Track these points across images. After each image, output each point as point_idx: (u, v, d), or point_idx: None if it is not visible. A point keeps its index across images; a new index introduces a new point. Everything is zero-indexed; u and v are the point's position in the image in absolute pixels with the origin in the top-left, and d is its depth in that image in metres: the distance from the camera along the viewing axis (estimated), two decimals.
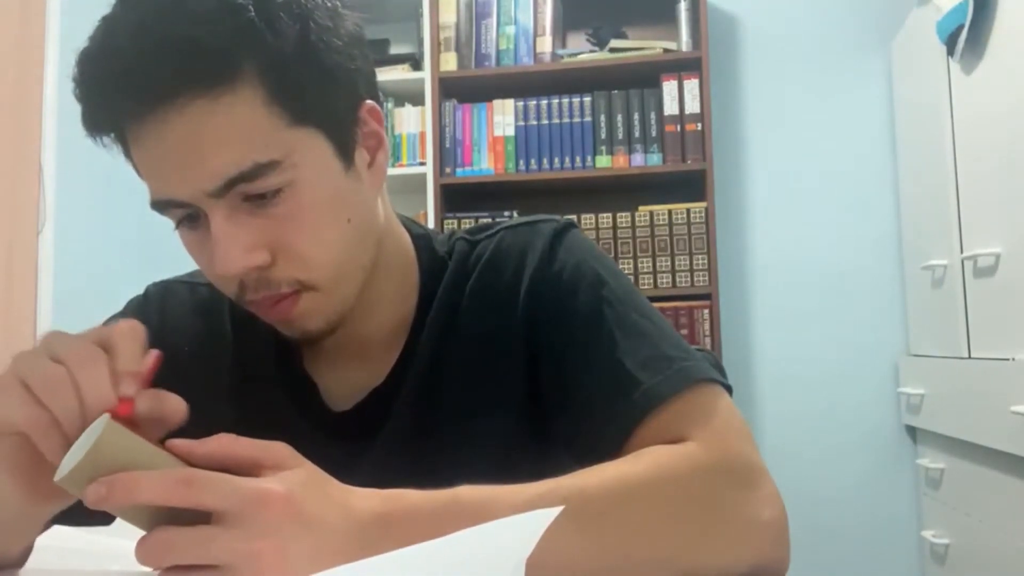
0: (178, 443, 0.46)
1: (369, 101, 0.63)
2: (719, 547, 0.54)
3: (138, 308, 0.76)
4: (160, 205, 0.58)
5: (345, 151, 0.60)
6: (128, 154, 0.59)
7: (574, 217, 2.38)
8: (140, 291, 0.79)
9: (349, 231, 0.61)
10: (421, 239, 0.72)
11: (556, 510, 0.42)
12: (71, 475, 0.43)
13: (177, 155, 0.54)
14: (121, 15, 0.55)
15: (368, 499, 0.48)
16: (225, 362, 0.72)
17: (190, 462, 0.45)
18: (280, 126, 0.56)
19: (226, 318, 0.74)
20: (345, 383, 0.70)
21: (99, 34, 0.55)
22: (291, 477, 0.45)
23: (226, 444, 0.46)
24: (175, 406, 0.49)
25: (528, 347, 0.67)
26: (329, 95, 0.59)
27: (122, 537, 0.76)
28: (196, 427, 0.47)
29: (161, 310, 0.75)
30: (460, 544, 0.42)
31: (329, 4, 0.60)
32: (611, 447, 0.60)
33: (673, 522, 0.53)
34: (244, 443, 0.46)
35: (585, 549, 0.50)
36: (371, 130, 0.63)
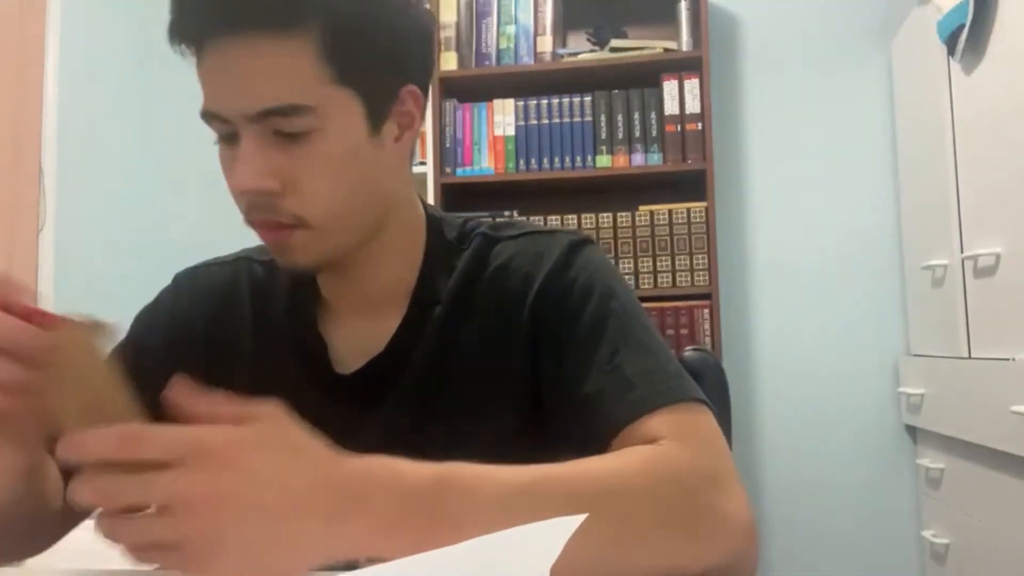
0: (179, 391, 0.47)
1: (413, 86, 0.69)
2: (691, 547, 0.56)
3: (170, 294, 0.82)
4: (206, 116, 0.64)
5: (376, 119, 0.66)
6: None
7: (574, 217, 2.38)
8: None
9: (355, 187, 0.66)
10: (434, 221, 0.78)
11: (580, 518, 0.42)
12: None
13: (230, 77, 0.62)
14: None
15: (342, 465, 0.48)
16: (244, 331, 0.78)
17: (180, 406, 0.46)
18: (324, 80, 0.62)
19: (245, 289, 0.80)
20: (350, 345, 0.74)
21: None
22: (246, 429, 0.45)
23: (213, 407, 0.47)
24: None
25: (533, 341, 0.71)
26: (374, 68, 0.65)
27: None
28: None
29: (191, 291, 0.81)
30: (481, 551, 0.41)
31: None
32: (597, 443, 0.63)
33: (659, 518, 0.55)
34: (224, 403, 0.47)
35: (571, 543, 0.50)
36: (407, 110, 0.69)
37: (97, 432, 0.43)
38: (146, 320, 0.80)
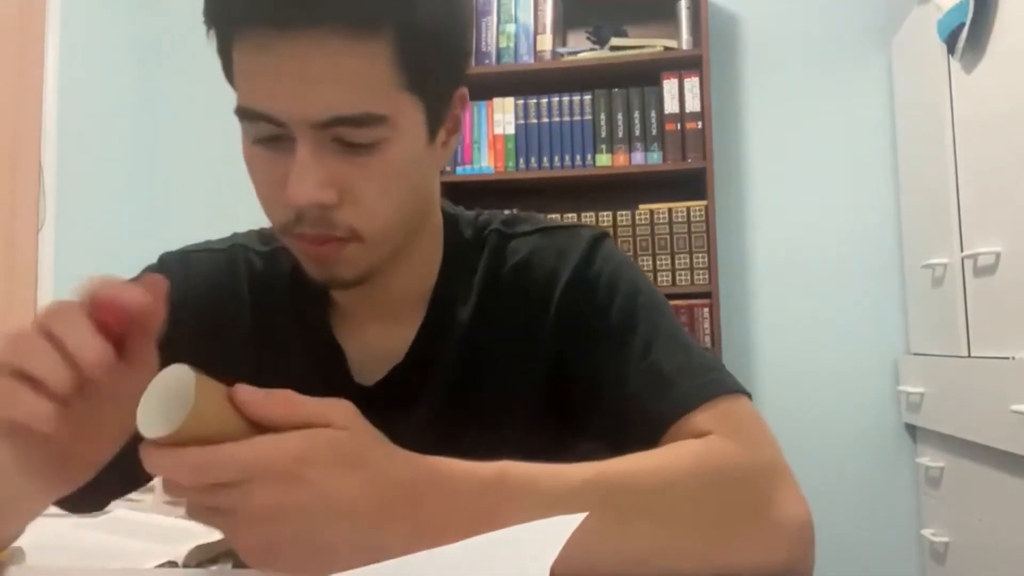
0: (242, 393, 0.45)
1: (464, 89, 0.66)
2: (749, 546, 0.54)
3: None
4: (250, 114, 0.58)
5: (434, 127, 0.63)
6: (225, 53, 0.59)
7: (574, 216, 2.38)
8: None
9: (411, 197, 0.63)
10: (451, 219, 0.75)
11: (580, 516, 0.42)
12: (168, 437, 0.42)
13: (298, 77, 0.55)
14: None
15: (401, 467, 0.47)
16: (244, 328, 0.73)
17: (249, 416, 0.45)
18: (397, 86, 0.57)
19: (243, 281, 0.75)
20: (366, 352, 0.71)
21: None
22: (313, 443, 0.44)
23: (286, 405, 0.45)
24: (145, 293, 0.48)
25: (559, 338, 0.69)
26: (441, 74, 0.62)
27: (122, 536, 0.76)
28: None
29: (184, 278, 0.74)
30: (483, 549, 0.42)
31: None
32: (641, 444, 0.60)
33: (708, 518, 0.54)
34: (299, 406, 0.45)
35: (619, 541, 0.50)
36: (455, 114, 0.67)
37: (171, 457, 0.43)
38: None
